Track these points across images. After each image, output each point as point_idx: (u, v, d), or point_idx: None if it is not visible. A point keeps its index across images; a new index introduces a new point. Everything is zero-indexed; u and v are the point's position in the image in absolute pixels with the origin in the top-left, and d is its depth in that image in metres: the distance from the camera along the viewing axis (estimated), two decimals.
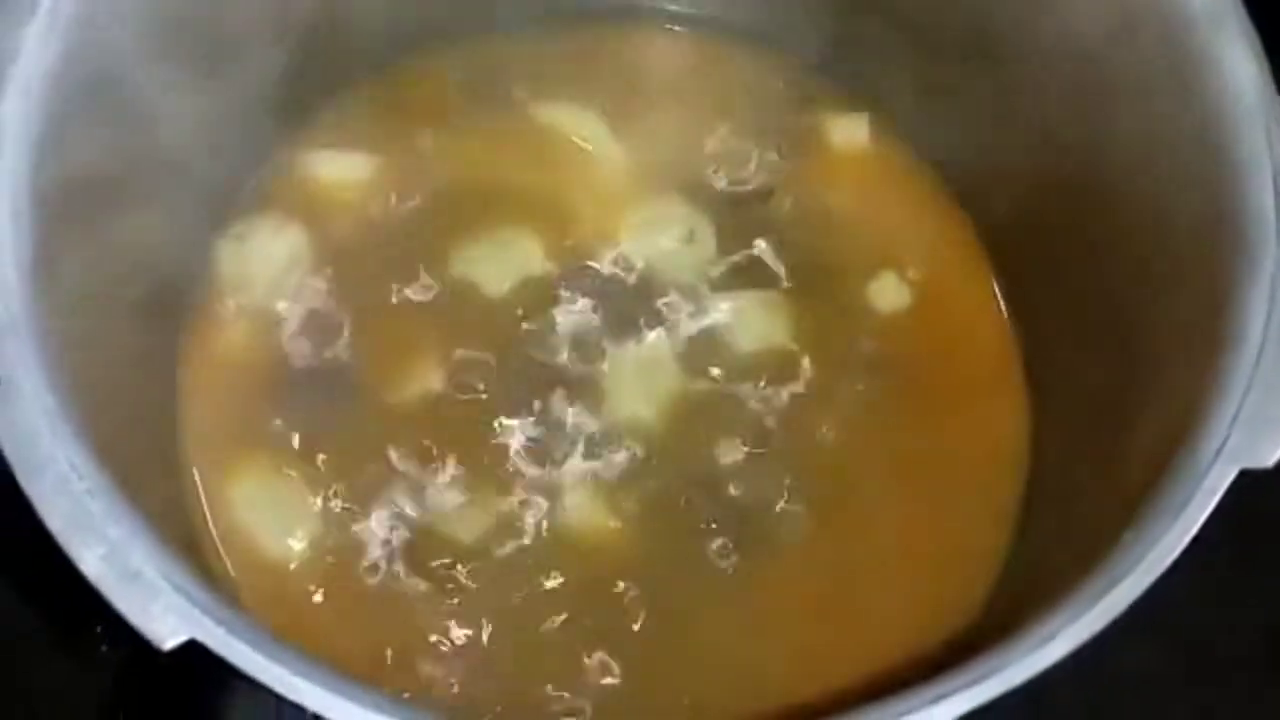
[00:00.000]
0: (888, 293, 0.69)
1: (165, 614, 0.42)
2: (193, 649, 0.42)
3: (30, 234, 0.49)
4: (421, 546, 0.62)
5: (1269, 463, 0.46)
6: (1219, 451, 0.46)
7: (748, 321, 0.67)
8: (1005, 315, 0.69)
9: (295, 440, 0.64)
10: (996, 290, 0.69)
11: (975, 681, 0.42)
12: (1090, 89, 0.59)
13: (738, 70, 0.73)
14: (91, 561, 0.42)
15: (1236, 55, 0.52)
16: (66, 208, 0.51)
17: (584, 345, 0.66)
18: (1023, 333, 0.68)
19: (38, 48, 0.50)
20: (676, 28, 0.74)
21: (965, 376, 0.68)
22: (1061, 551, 0.56)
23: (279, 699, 0.41)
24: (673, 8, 0.73)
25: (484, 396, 0.65)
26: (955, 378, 0.68)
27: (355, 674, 0.43)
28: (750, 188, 0.69)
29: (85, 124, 0.53)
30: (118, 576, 0.42)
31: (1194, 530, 0.45)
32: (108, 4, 0.53)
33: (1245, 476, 0.46)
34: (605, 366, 0.66)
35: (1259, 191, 0.50)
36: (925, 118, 0.70)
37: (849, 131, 0.72)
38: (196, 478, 0.63)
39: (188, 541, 0.60)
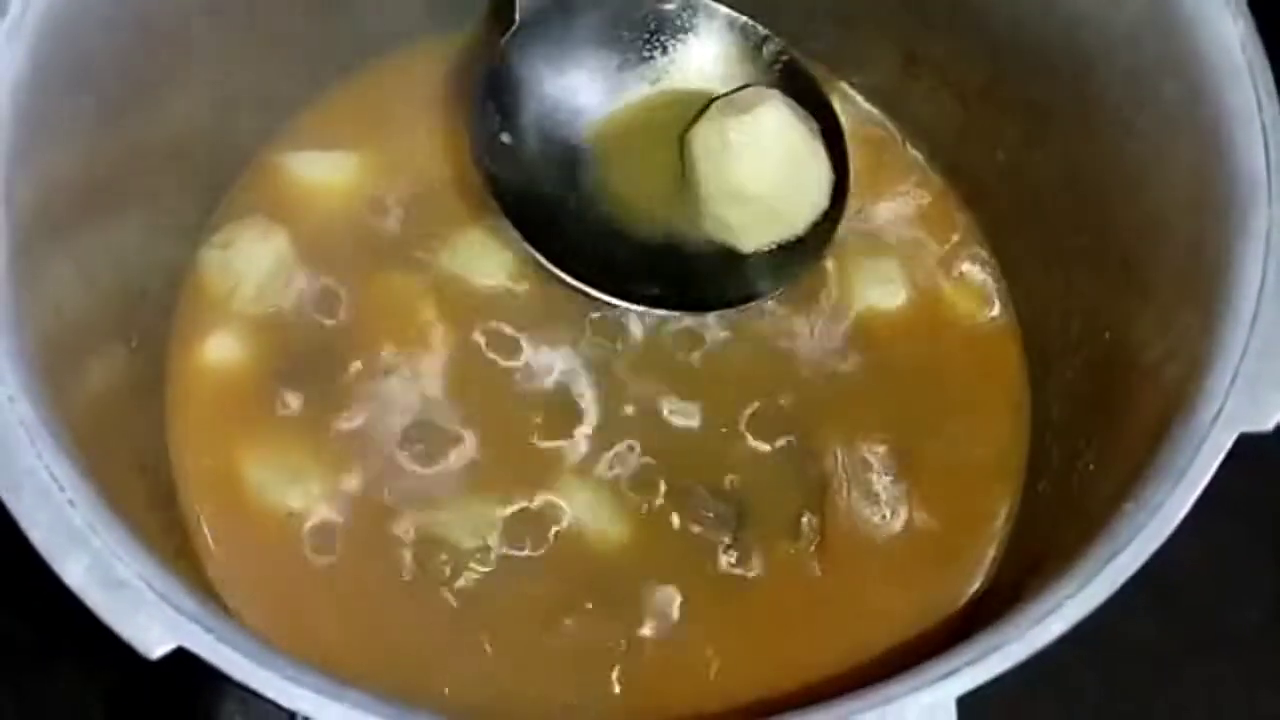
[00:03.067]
0: (879, 266, 0.68)
1: (151, 623, 0.41)
2: (182, 656, 0.41)
3: (5, 243, 0.48)
4: (425, 545, 0.61)
5: (1268, 426, 0.45)
6: (1217, 416, 0.45)
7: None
8: (1000, 284, 0.68)
9: (290, 443, 0.63)
10: (988, 257, 0.69)
11: (977, 659, 0.42)
12: (1077, 51, 0.58)
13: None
14: (75, 572, 0.42)
15: (1223, 14, 0.51)
16: (43, 216, 0.51)
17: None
18: (1018, 300, 0.68)
19: (7, 52, 0.49)
20: None
21: (962, 348, 0.67)
22: (1068, 525, 0.55)
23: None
24: None
25: (484, 394, 0.64)
26: (951, 349, 0.67)
27: (351, 676, 0.43)
28: None
29: (59, 131, 0.52)
30: (102, 586, 0.42)
31: (1194, 497, 0.44)
32: (78, 7, 0.52)
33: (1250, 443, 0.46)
34: (614, 362, 0.65)
35: (1249, 151, 0.50)
36: (909, 88, 0.69)
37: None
38: (188, 486, 0.62)
39: (179, 547, 0.59)
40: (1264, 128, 0.49)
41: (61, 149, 0.52)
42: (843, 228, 0.67)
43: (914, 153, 0.71)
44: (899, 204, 0.70)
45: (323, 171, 0.68)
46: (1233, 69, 0.51)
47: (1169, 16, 0.52)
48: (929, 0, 0.65)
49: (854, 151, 0.68)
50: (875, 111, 0.71)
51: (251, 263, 0.66)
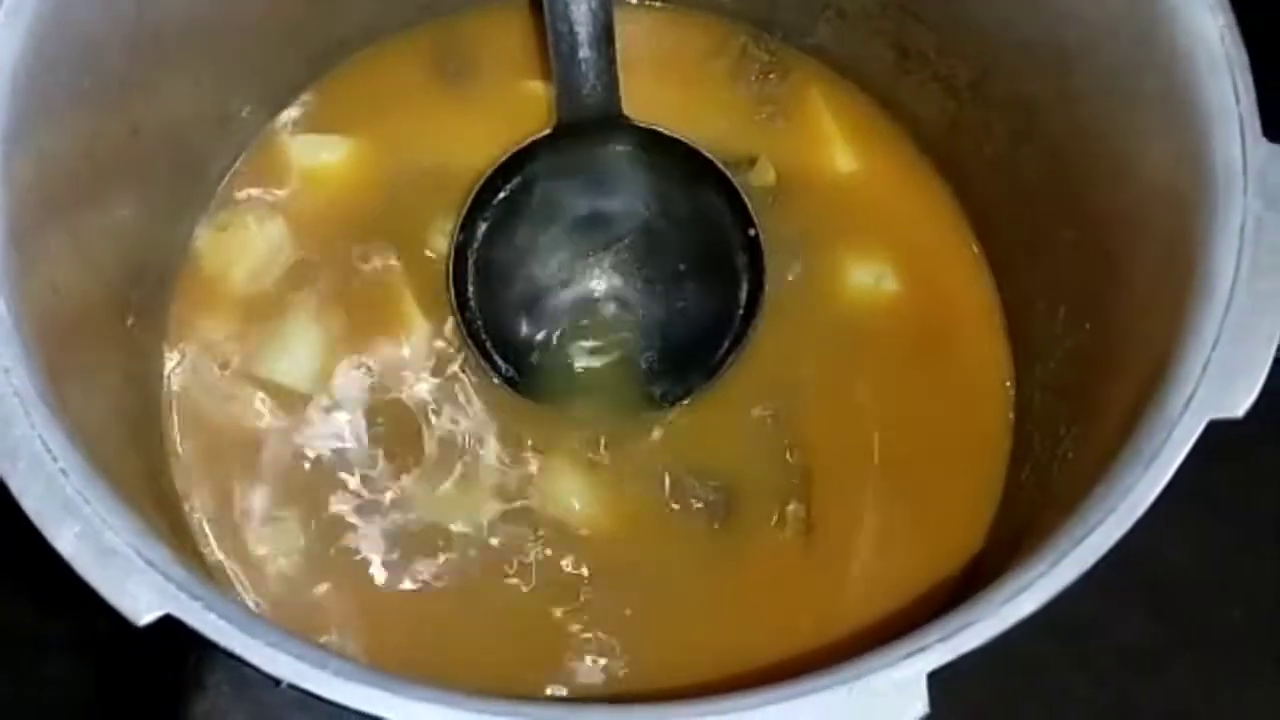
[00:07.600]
0: (871, 256, 0.69)
1: (140, 590, 0.42)
2: (170, 625, 0.42)
3: (4, 221, 0.48)
4: (419, 532, 0.63)
5: (1238, 413, 0.46)
6: (1188, 402, 0.46)
7: None
8: (987, 276, 0.69)
9: (282, 424, 0.64)
10: (977, 250, 0.69)
11: (948, 635, 0.43)
12: (1061, 48, 0.59)
13: (717, 42, 0.73)
14: (67, 540, 0.43)
15: (1202, 8, 0.52)
16: (41, 195, 0.51)
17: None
18: (1005, 292, 0.69)
19: (7, 31, 0.50)
20: (651, 1, 0.73)
21: (950, 338, 0.68)
22: (1048, 513, 0.56)
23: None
24: None
25: (473, 377, 0.65)
26: (940, 340, 0.68)
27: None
28: (732, 158, 0.69)
29: (57, 111, 0.53)
30: (93, 554, 0.43)
31: (1164, 480, 0.45)
32: None
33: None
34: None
35: (1226, 142, 0.50)
36: (901, 82, 0.70)
37: (827, 100, 0.72)
38: (183, 463, 0.64)
39: (173, 522, 0.60)
40: (1241, 120, 0.50)
41: (61, 129, 0.53)
42: (834, 220, 0.69)
43: (905, 145, 0.71)
44: (890, 195, 0.70)
45: (320, 154, 0.69)
46: (1211, 62, 0.51)
47: (1149, 11, 0.53)
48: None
49: (848, 144, 0.70)
50: (868, 105, 0.72)
51: (247, 245, 0.67)
